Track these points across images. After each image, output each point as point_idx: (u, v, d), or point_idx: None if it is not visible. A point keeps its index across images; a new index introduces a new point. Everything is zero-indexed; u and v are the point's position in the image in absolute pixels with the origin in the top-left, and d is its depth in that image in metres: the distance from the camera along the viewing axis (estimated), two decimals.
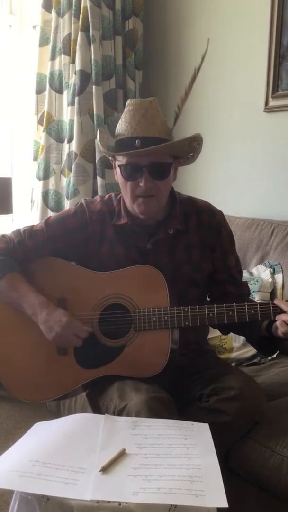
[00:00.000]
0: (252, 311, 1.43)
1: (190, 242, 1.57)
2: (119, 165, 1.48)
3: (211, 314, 1.45)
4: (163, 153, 1.43)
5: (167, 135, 1.44)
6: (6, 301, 1.54)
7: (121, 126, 1.46)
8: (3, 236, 1.61)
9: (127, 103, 1.47)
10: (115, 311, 1.49)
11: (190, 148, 1.47)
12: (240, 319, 1.43)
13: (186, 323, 1.45)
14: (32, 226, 1.62)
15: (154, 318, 1.45)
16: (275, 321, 1.42)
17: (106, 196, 1.64)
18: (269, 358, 2.04)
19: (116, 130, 1.49)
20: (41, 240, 1.57)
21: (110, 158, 1.55)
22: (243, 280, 1.69)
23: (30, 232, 1.58)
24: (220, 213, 1.64)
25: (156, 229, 1.56)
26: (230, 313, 1.44)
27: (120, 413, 1.38)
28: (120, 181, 1.51)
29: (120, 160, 1.47)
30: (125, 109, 1.46)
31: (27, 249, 1.57)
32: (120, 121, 1.47)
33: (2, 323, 1.57)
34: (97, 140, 1.55)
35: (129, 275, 1.51)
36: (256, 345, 1.60)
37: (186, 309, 1.45)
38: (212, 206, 1.64)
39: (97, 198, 1.64)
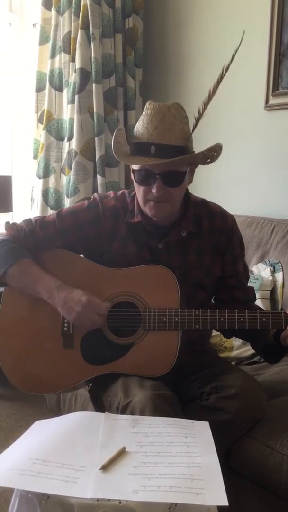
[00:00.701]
0: (264, 319, 1.43)
1: (201, 245, 1.57)
2: (132, 170, 1.46)
3: (222, 319, 1.44)
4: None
5: (184, 142, 1.40)
6: (18, 286, 1.52)
7: (138, 129, 1.44)
8: (14, 224, 1.59)
9: (146, 106, 1.44)
10: (125, 309, 1.49)
11: (205, 158, 1.46)
12: (251, 326, 1.43)
13: (197, 326, 1.44)
14: (44, 217, 1.61)
15: (165, 319, 1.45)
16: (284, 329, 1.42)
17: (120, 192, 1.62)
18: None
19: (134, 129, 1.46)
20: (52, 231, 1.56)
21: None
22: (251, 287, 1.69)
23: (42, 222, 1.57)
24: (232, 217, 1.64)
25: (169, 229, 1.55)
26: (242, 319, 1.43)
27: (124, 409, 1.38)
28: (134, 183, 1.49)
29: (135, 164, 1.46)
30: (144, 112, 1.44)
31: (37, 239, 1.56)
32: (138, 123, 1.45)
33: (8, 314, 1.56)
34: (113, 145, 1.49)
35: (141, 274, 1.50)
36: (261, 352, 1.60)
37: (197, 312, 1.45)
38: (225, 210, 1.64)
39: (111, 193, 1.62)
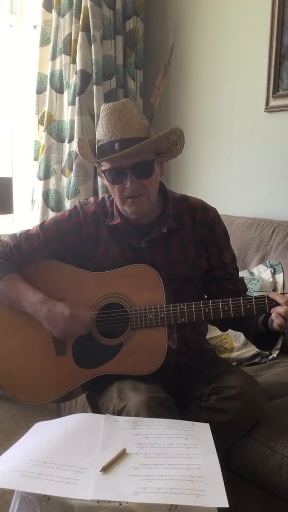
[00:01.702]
0: (248, 305, 1.43)
1: (184, 240, 1.58)
2: (103, 171, 1.49)
3: (206, 310, 1.45)
4: (144, 151, 1.43)
5: (145, 133, 1.44)
6: (6, 302, 1.55)
7: (99, 132, 1.47)
8: (0, 240, 1.62)
9: (101, 109, 1.48)
10: (112, 310, 1.50)
11: (170, 142, 1.48)
12: (236, 313, 1.43)
13: (183, 320, 1.45)
14: (28, 230, 1.63)
15: (151, 316, 1.46)
16: (270, 314, 1.42)
17: (100, 198, 1.65)
18: (270, 357, 2.04)
19: (96, 137, 1.50)
20: (37, 243, 1.58)
21: (96, 164, 1.56)
22: (241, 278, 1.69)
23: (26, 236, 1.60)
24: (214, 210, 1.64)
25: (150, 228, 1.56)
26: (226, 308, 1.44)
27: (119, 413, 1.38)
28: (108, 186, 1.52)
29: (104, 165, 1.48)
30: (101, 115, 1.47)
31: (23, 252, 1.58)
32: (97, 128, 1.48)
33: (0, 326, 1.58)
34: (77, 150, 1.55)
35: (125, 274, 1.52)
36: (253, 340, 1.60)
37: (182, 306, 1.46)
38: (206, 203, 1.65)
39: (91, 199, 1.65)
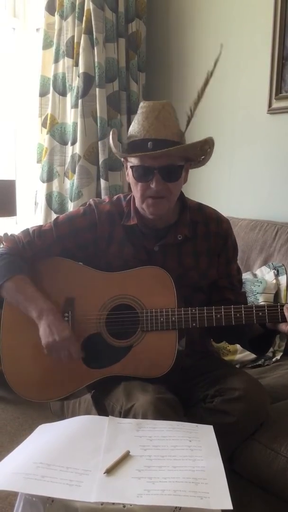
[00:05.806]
0: (260, 313, 1.43)
1: (197, 249, 1.58)
2: (131, 167, 1.48)
3: (218, 316, 1.45)
4: (175, 155, 1.43)
5: (179, 138, 1.45)
6: (12, 302, 1.55)
7: (134, 128, 1.47)
8: (12, 235, 1.62)
9: (140, 105, 1.48)
10: (123, 311, 1.50)
11: (202, 151, 1.48)
12: (248, 320, 1.43)
13: (194, 324, 1.45)
14: (41, 226, 1.63)
15: (162, 319, 1.46)
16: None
17: (115, 197, 1.65)
18: (273, 360, 2.03)
19: (129, 131, 1.50)
20: (50, 239, 1.58)
21: (122, 158, 1.56)
22: (244, 284, 1.69)
23: (39, 232, 1.59)
24: (227, 221, 1.65)
25: (165, 233, 1.56)
26: (238, 315, 1.44)
27: (126, 413, 1.38)
28: (131, 182, 1.52)
29: (132, 161, 1.47)
30: (138, 111, 1.47)
31: (36, 249, 1.58)
32: (133, 123, 1.48)
33: (9, 322, 1.58)
34: (110, 141, 1.55)
35: (137, 276, 1.51)
36: (249, 346, 1.59)
37: (193, 310, 1.45)
38: (220, 214, 1.66)
39: (106, 198, 1.65)
